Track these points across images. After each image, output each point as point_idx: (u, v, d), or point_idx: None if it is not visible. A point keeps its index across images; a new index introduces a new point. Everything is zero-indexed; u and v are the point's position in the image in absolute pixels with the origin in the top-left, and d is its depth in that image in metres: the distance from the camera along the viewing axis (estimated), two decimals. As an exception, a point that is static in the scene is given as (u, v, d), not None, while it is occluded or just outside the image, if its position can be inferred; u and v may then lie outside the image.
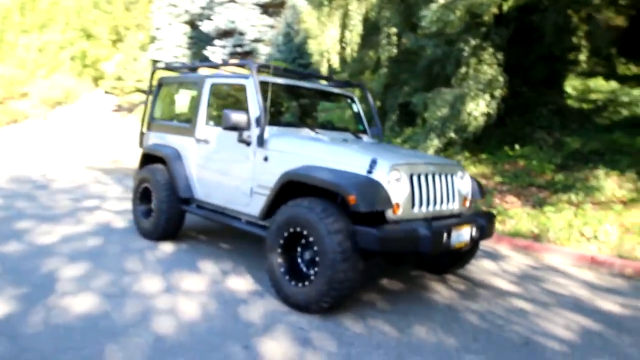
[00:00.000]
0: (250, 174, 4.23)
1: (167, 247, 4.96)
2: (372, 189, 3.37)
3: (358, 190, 3.29)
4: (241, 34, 20.68)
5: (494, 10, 7.66)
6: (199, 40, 23.04)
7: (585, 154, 8.57)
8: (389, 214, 3.48)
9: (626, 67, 13.16)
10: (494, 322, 3.63)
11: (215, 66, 5.09)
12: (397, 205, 3.49)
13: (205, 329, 3.17)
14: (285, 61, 18.33)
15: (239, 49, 20.57)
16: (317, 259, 3.38)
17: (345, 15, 9.84)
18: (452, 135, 8.54)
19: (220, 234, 5.63)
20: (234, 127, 4.17)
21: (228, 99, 4.80)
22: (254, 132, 4.20)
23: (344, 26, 9.90)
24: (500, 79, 8.72)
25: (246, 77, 4.45)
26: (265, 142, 4.10)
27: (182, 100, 5.37)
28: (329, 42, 10.01)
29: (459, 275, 4.70)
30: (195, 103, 4.91)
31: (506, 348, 3.20)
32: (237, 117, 4.12)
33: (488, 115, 8.58)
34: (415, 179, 3.65)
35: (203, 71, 5.35)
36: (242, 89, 4.47)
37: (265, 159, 4.10)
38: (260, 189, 4.14)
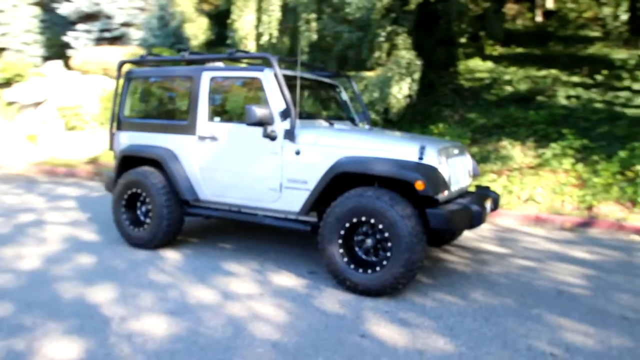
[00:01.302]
0: (278, 169, 4.18)
1: (172, 255, 4.66)
2: (434, 173, 3.64)
3: (425, 176, 3.52)
4: (108, 17, 18.88)
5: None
6: (53, 25, 20.49)
7: (489, 128, 9.79)
8: (439, 195, 3.79)
9: (493, 48, 15.06)
10: (520, 280, 4.18)
11: (213, 59, 4.80)
12: (445, 186, 3.81)
13: (308, 327, 3.17)
14: (163, 46, 17.29)
15: (107, 34, 18.78)
16: (388, 244, 3.55)
17: (263, 0, 9.72)
18: (375, 117, 9.09)
19: (207, 234, 5.41)
20: (259, 123, 4.07)
21: (233, 93, 4.60)
22: (280, 126, 4.14)
23: (260, 11, 9.78)
24: (418, 62, 9.46)
25: (259, 69, 4.34)
26: (295, 136, 4.09)
27: (166, 95, 4.97)
28: (247, 28, 9.82)
29: (454, 245, 5.21)
30: (190, 98, 4.62)
31: (552, 299, 3.75)
32: (261, 111, 4.03)
33: (410, 97, 9.31)
34: (450, 161, 4.00)
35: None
36: (253, 82, 4.35)
37: (297, 152, 4.09)
38: (292, 183, 4.13)
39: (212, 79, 4.55)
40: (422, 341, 3.01)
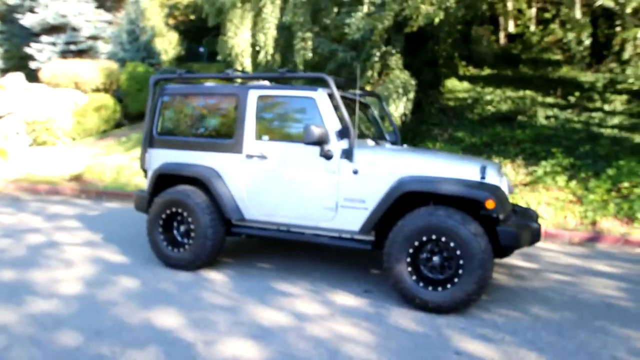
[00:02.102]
0: (334, 188, 4.19)
1: (216, 276, 4.54)
2: (499, 192, 3.77)
3: (494, 195, 3.64)
4: (74, 29, 18.25)
5: (420, 21, 8.54)
6: (12, 36, 19.59)
7: (478, 146, 10.15)
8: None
9: (466, 69, 15.69)
10: (565, 293, 4.36)
11: (260, 78, 4.77)
12: (503, 204, 3.95)
13: (399, 346, 3.18)
14: (133, 60, 16.89)
15: (73, 47, 18.14)
16: (460, 262, 3.63)
17: (258, 16, 9.73)
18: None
19: (240, 254, 5.30)
20: (316, 142, 4.09)
21: (282, 112, 4.57)
22: (336, 145, 4.17)
23: (256, 29, 9.78)
24: (412, 82, 9.73)
25: (312, 89, 4.36)
26: (353, 156, 4.12)
27: (206, 113, 4.87)
28: (242, 45, 9.78)
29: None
30: (236, 116, 4.56)
31: (605, 311, 3.93)
32: (320, 131, 4.05)
33: (405, 115, 9.54)
34: (502, 179, 4.16)
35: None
36: (304, 101, 4.37)
37: (355, 172, 4.13)
38: (350, 202, 4.15)
39: (260, 98, 4.53)
40: (515, 356, 3.09)
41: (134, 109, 14.98)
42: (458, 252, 3.64)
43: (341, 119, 4.20)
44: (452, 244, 3.65)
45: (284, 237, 4.47)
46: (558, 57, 16.82)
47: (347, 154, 4.13)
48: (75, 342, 3.13)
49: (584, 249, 6.13)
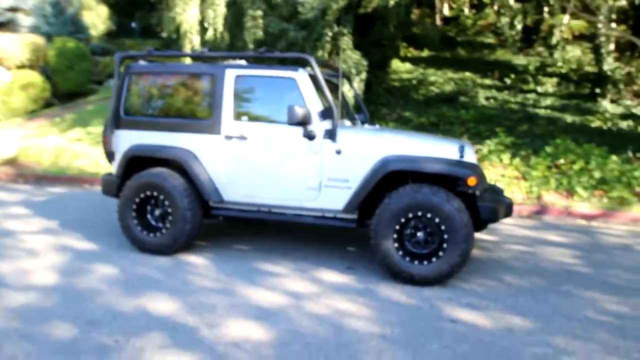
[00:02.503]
0: (317, 168, 4.24)
1: (196, 259, 4.48)
2: (479, 170, 3.99)
3: (475, 173, 3.86)
4: (-9, 0, 16.66)
5: (376, 3, 8.64)
6: None
7: (426, 126, 10.54)
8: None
9: (407, 51, 16.08)
10: (528, 262, 4.72)
11: (237, 57, 4.64)
12: (477, 181, 4.18)
13: (398, 318, 3.32)
14: (60, 35, 15.76)
15: (-11, 18, 16.59)
16: (445, 236, 3.83)
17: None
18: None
19: (214, 237, 5.22)
20: (299, 122, 4.11)
21: (260, 92, 4.51)
22: (319, 126, 4.21)
23: (205, 5, 9.45)
24: (364, 62, 9.89)
25: (293, 69, 4.35)
26: (337, 136, 4.18)
27: (179, 92, 4.69)
28: (191, 21, 9.43)
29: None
30: (213, 96, 4.46)
31: (567, 277, 4.30)
32: (303, 111, 4.07)
33: (357, 95, 9.68)
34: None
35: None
36: (286, 82, 4.35)
37: (338, 152, 4.19)
38: (333, 182, 4.22)
39: (238, 77, 4.44)
40: (504, 321, 3.33)
41: (64, 87, 14.06)
42: (443, 227, 3.83)
43: (324, 99, 4.23)
44: (436, 220, 3.84)
45: (265, 218, 4.47)
46: (491, 40, 17.64)
47: (331, 135, 4.18)
48: (70, 333, 3.00)
49: (533, 222, 6.61)
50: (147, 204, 4.60)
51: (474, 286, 4.00)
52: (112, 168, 4.86)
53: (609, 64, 11.03)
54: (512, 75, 12.73)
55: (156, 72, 4.74)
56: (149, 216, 4.63)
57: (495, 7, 18.16)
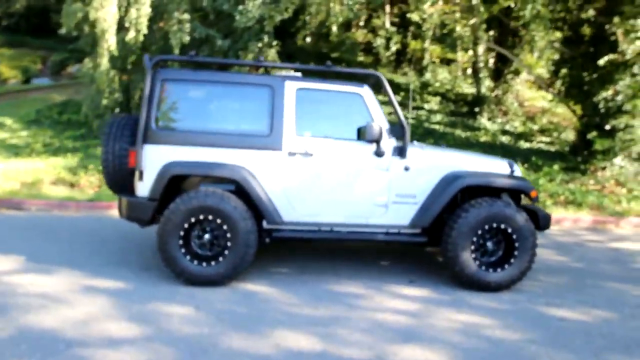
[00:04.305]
0: (386, 184, 4.26)
1: (257, 287, 4.09)
2: (532, 184, 4.45)
3: (534, 187, 4.31)
4: None
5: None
6: None
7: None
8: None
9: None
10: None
11: (302, 70, 4.32)
12: (522, 193, 4.67)
13: (515, 323, 3.56)
14: None
15: None
16: (516, 244, 4.19)
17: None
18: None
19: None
20: (375, 140, 4.12)
21: (322, 107, 4.32)
22: (387, 143, 4.25)
23: (128, 3, 8.45)
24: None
25: (358, 85, 4.30)
26: (406, 153, 4.26)
27: (229, 104, 4.20)
28: (110, 20, 8.33)
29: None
30: (272, 110, 4.15)
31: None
32: (379, 129, 4.09)
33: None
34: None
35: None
36: (350, 97, 4.28)
37: (406, 168, 4.28)
38: (400, 198, 4.29)
39: (299, 91, 4.21)
40: (592, 314, 3.81)
41: None
42: (514, 237, 4.18)
43: (399, 116, 4.27)
44: (509, 230, 4.17)
45: (326, 237, 4.30)
46: (362, 58, 18.96)
47: (400, 151, 4.25)
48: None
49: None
50: (195, 230, 4.05)
51: (532, 288, 4.42)
52: (138, 188, 4.14)
53: (485, 86, 12.87)
54: (402, 93, 13.93)
55: (201, 80, 4.21)
56: (194, 243, 4.08)
57: (362, 27, 19.70)
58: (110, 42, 8.54)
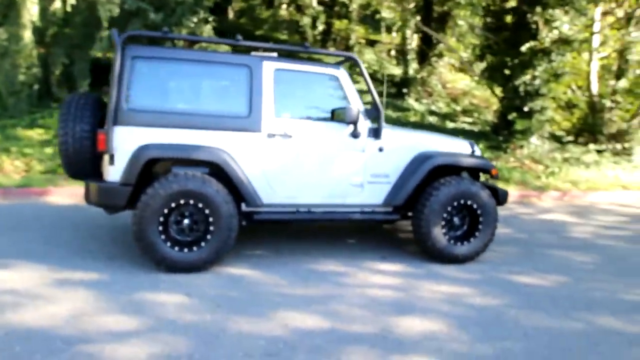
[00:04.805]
0: (361, 165, 4.38)
1: (240, 271, 4.06)
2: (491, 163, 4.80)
3: (494, 166, 4.67)
4: None
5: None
6: None
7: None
8: (482, 178, 4.97)
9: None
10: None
11: (276, 49, 4.20)
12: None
13: (496, 292, 3.88)
14: None
15: None
16: (480, 219, 4.51)
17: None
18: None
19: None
20: (354, 122, 4.21)
21: (299, 88, 4.29)
22: (363, 124, 4.35)
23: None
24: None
25: (335, 66, 4.34)
26: (380, 134, 4.40)
27: (203, 84, 4.02)
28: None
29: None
30: (251, 90, 4.07)
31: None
32: (357, 111, 4.18)
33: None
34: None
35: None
36: (327, 79, 4.32)
37: (380, 149, 4.43)
38: (375, 177, 4.45)
39: (277, 71, 4.17)
40: (551, 279, 4.24)
41: None
42: (479, 212, 4.50)
43: (374, 98, 4.37)
44: (474, 206, 4.49)
45: (305, 218, 4.35)
46: (285, 37, 18.81)
47: (375, 133, 4.38)
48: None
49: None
50: (173, 215, 3.91)
51: (491, 258, 4.80)
52: (108, 173, 3.89)
53: (412, 68, 13.37)
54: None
55: (172, 58, 4.01)
56: (172, 229, 3.94)
57: (288, 5, 19.48)
58: (32, 12, 7.73)
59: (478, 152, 4.86)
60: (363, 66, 4.39)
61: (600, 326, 3.35)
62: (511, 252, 5.05)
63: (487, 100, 14.09)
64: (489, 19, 11.05)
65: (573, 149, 10.84)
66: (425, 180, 4.56)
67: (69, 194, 6.81)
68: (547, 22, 9.12)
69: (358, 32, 18.44)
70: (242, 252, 4.50)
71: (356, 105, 4.26)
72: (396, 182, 4.47)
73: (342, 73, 4.34)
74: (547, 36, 9.27)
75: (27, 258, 4.05)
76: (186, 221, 3.95)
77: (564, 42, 9.38)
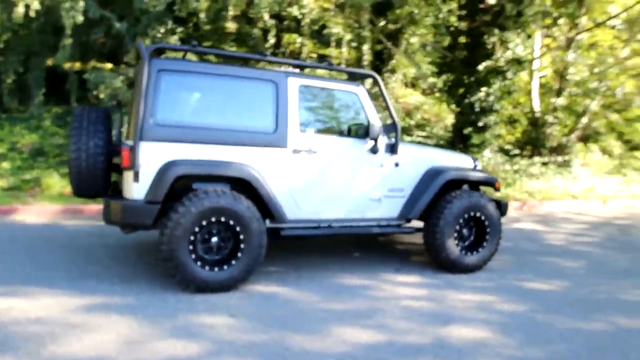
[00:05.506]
0: (380, 180, 4.49)
1: (263, 288, 4.00)
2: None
3: (497, 179, 4.95)
4: None
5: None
6: None
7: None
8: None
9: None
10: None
11: (301, 66, 4.20)
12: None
13: (515, 298, 4.10)
14: None
15: None
16: (487, 230, 4.75)
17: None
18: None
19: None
20: (375, 138, 4.33)
21: (322, 104, 4.32)
22: (382, 140, 4.47)
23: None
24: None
25: (355, 84, 4.43)
26: (397, 150, 4.54)
27: (231, 100, 3.92)
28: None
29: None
30: (274, 107, 4.05)
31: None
32: (378, 127, 4.31)
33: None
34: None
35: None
36: (347, 96, 4.41)
37: (397, 164, 4.56)
38: (391, 192, 4.58)
39: (302, 87, 4.19)
40: (554, 284, 4.54)
41: None
42: (486, 223, 4.74)
43: (392, 115, 4.50)
44: (482, 217, 4.72)
45: (326, 233, 4.37)
46: (234, 49, 18.62)
47: (392, 148, 4.51)
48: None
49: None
50: (203, 233, 3.79)
51: (494, 267, 5.05)
52: (132, 190, 3.71)
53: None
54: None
55: (199, 72, 3.90)
56: (199, 248, 3.81)
57: (237, 17, 19.30)
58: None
59: (479, 167, 5.13)
60: (382, 84, 4.51)
61: (622, 325, 3.64)
62: (508, 261, 5.34)
63: (437, 115, 14.75)
64: (446, 38, 11.64)
65: (520, 161, 11.60)
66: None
67: (37, 212, 6.36)
68: (503, 43, 9.78)
69: (308, 47, 18.69)
70: (261, 270, 4.42)
71: (377, 122, 4.37)
72: (410, 196, 4.61)
73: (361, 90, 4.44)
74: (502, 56, 9.92)
75: (33, 284, 3.76)
76: (214, 239, 3.84)
77: (517, 62, 10.08)
